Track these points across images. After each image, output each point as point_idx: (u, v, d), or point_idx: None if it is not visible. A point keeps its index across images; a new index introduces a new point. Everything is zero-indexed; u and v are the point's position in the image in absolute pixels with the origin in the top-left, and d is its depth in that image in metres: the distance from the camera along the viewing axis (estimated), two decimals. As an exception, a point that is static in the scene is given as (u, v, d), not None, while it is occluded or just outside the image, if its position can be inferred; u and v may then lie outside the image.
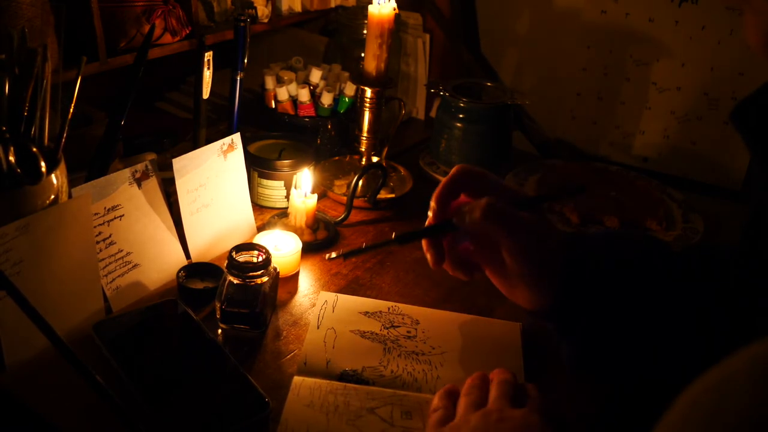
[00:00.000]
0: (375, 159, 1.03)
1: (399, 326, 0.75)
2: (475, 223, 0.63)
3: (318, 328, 0.73)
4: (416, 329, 0.74)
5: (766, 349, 0.28)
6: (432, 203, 0.68)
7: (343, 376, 0.67)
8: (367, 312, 0.76)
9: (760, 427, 0.25)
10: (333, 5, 1.16)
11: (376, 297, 0.79)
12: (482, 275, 0.69)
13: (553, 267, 0.63)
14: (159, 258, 0.79)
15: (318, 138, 1.08)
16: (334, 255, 0.68)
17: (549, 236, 0.65)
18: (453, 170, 0.68)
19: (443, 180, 0.68)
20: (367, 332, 0.73)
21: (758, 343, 0.28)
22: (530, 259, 0.63)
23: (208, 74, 0.88)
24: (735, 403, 0.27)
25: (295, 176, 0.91)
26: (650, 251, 0.66)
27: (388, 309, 0.77)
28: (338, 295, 0.79)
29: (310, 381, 0.66)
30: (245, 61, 0.93)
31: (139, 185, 0.76)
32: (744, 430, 0.26)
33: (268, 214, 0.95)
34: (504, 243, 0.63)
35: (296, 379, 0.66)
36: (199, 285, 0.78)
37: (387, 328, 0.74)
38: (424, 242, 0.68)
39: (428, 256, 0.68)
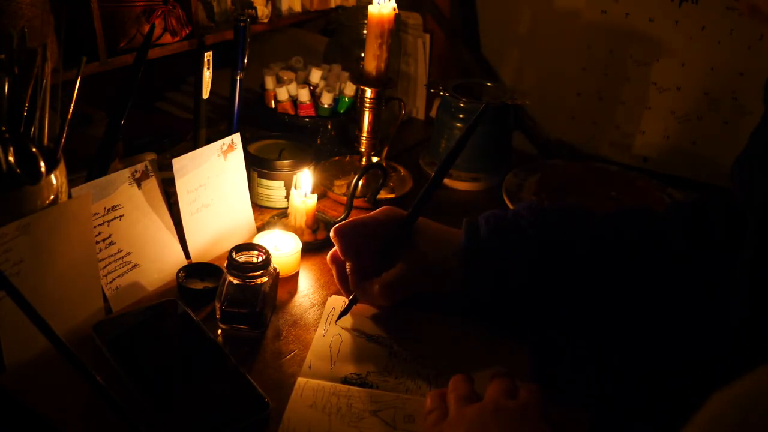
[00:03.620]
0: (375, 159, 1.03)
1: (406, 330, 0.74)
2: (377, 299, 0.74)
3: (324, 335, 0.73)
4: (423, 333, 0.74)
5: None
6: (332, 265, 0.78)
7: (347, 380, 0.67)
8: (375, 316, 0.76)
9: None
10: (333, 5, 1.15)
11: (376, 297, 0.79)
12: None
13: (456, 248, 0.73)
14: (159, 258, 0.79)
15: (318, 138, 1.08)
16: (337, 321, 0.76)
17: (432, 252, 0.74)
18: (335, 238, 0.76)
19: (337, 249, 0.76)
20: (374, 336, 0.73)
21: None
22: (433, 262, 0.74)
23: (208, 74, 0.88)
24: (760, 417, 0.27)
25: (295, 176, 0.91)
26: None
27: (396, 313, 0.77)
28: (346, 300, 0.78)
29: (313, 382, 0.66)
30: (245, 61, 0.93)
31: (139, 185, 0.76)
32: None
33: (268, 214, 0.95)
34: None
35: (300, 380, 0.66)
36: (199, 285, 0.78)
37: (394, 332, 0.74)
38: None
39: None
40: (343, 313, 0.75)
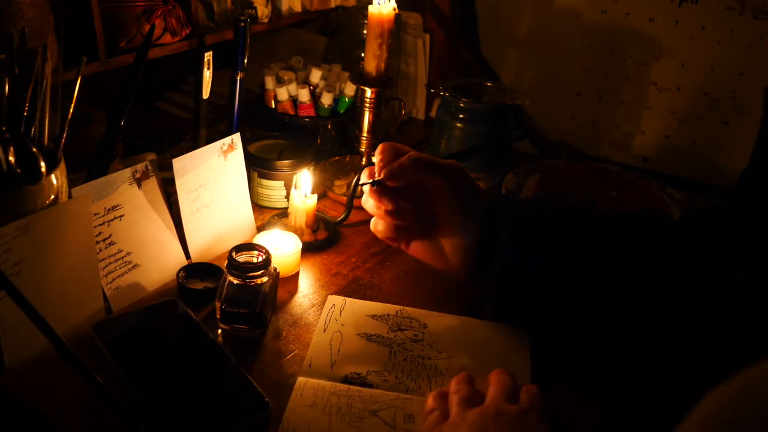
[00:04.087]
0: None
1: (406, 329, 0.75)
2: (404, 168, 0.71)
3: (324, 331, 0.73)
4: (423, 333, 0.74)
5: None
6: (379, 155, 0.74)
7: (347, 379, 0.67)
8: (375, 315, 0.76)
9: None
10: (333, 5, 1.16)
11: (376, 297, 0.79)
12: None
13: (477, 206, 0.72)
14: (159, 258, 0.79)
15: (318, 138, 1.08)
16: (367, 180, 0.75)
17: (468, 178, 0.73)
18: (381, 148, 0.74)
19: (381, 154, 0.74)
20: (374, 335, 0.73)
21: None
22: (457, 194, 0.72)
23: (208, 74, 0.88)
24: (756, 414, 0.27)
25: (295, 176, 0.91)
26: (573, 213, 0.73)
27: (396, 312, 0.77)
28: (346, 299, 0.78)
29: (313, 382, 0.66)
30: (245, 61, 0.93)
31: (139, 185, 0.76)
32: None
33: (268, 214, 0.95)
34: (432, 184, 0.72)
35: (300, 379, 0.66)
36: (199, 285, 0.78)
37: (394, 331, 0.74)
38: (373, 197, 0.74)
39: (378, 207, 0.74)
40: (354, 189, 0.81)
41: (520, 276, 0.71)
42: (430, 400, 0.62)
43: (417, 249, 0.77)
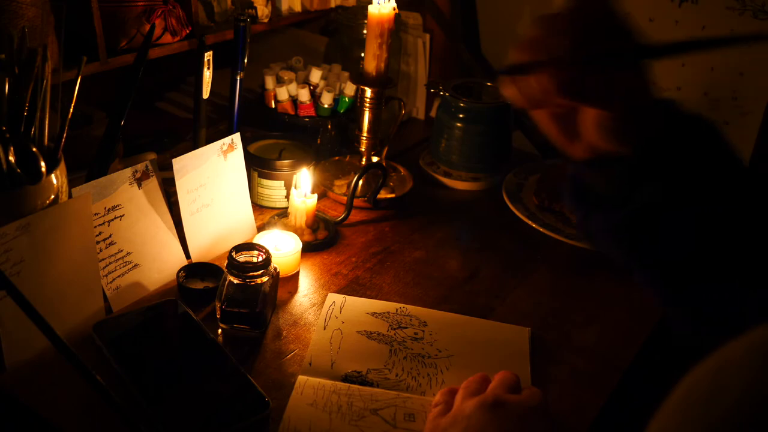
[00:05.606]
0: (375, 159, 1.03)
1: (406, 327, 0.75)
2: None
3: (324, 329, 0.73)
4: (423, 331, 0.74)
5: (764, 335, 0.28)
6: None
7: (348, 378, 0.67)
8: (375, 313, 0.76)
9: (758, 410, 0.25)
10: (333, 5, 1.15)
11: (376, 297, 0.79)
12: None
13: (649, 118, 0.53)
14: (159, 258, 0.79)
15: (318, 138, 1.08)
16: None
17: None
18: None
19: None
20: (374, 333, 0.73)
21: (756, 329, 0.29)
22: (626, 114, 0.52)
23: (208, 74, 0.88)
24: (733, 386, 0.27)
25: (295, 176, 0.91)
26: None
27: (396, 310, 0.77)
28: (346, 297, 0.78)
29: (314, 381, 0.66)
30: (245, 61, 0.93)
31: (140, 185, 0.76)
32: (742, 412, 0.26)
33: (268, 214, 0.95)
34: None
35: (300, 378, 0.66)
36: (199, 285, 0.78)
37: (394, 329, 0.74)
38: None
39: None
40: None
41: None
42: (439, 396, 0.62)
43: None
